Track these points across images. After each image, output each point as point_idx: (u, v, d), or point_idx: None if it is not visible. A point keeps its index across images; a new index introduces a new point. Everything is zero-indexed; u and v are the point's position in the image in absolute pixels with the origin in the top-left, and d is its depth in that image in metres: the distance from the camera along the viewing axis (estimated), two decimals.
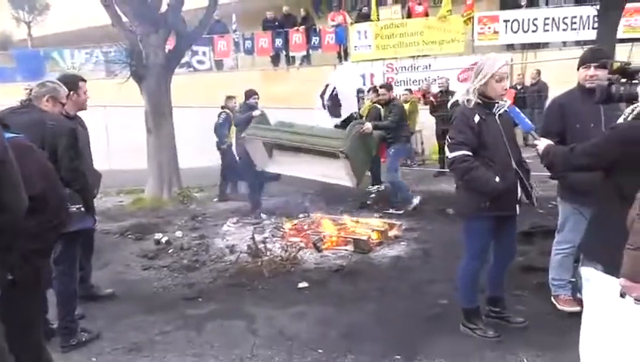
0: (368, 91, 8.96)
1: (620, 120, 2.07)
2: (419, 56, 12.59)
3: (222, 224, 6.38)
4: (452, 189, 4.94)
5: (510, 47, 12.40)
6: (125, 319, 3.73)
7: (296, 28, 13.79)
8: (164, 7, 8.29)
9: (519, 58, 11.38)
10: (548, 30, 11.81)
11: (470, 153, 3.00)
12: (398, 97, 8.34)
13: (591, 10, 9.22)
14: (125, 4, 7.81)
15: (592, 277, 1.85)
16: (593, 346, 1.87)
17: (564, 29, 11.68)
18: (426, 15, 13.11)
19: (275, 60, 14.24)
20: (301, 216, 6.39)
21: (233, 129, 7.72)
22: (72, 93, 3.55)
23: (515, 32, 12.05)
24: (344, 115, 8.08)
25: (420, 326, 3.41)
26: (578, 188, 3.05)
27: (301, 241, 5.36)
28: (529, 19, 11.91)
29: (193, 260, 5.03)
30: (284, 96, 11.53)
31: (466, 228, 3.18)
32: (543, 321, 3.31)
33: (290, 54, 14.02)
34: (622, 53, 7.09)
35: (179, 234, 6.00)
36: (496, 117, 3.08)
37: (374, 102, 7.52)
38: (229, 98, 8.28)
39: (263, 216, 6.58)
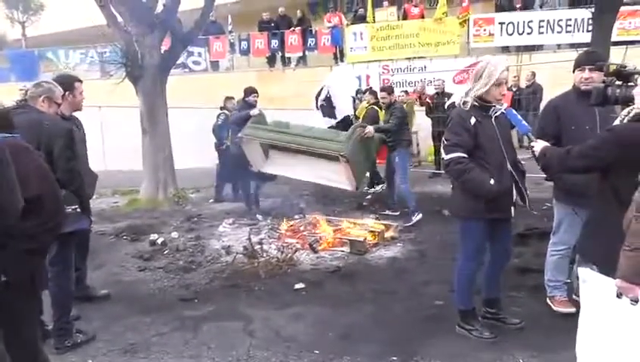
0: (364, 92, 8.97)
1: (617, 122, 2.09)
2: (414, 57, 12.62)
3: (218, 225, 6.36)
4: (447, 191, 4.95)
5: (505, 50, 12.45)
6: (121, 320, 3.71)
7: (292, 29, 13.79)
8: (159, 8, 8.27)
9: (514, 60, 11.40)
10: (543, 33, 11.86)
11: (466, 155, 3.01)
12: (398, 98, 8.04)
13: (585, 13, 9.30)
14: (121, 5, 7.77)
15: (589, 278, 1.86)
16: (590, 346, 1.88)
17: (558, 32, 11.75)
18: (422, 17, 13.15)
19: (271, 61, 14.23)
20: (297, 217, 6.39)
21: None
22: (67, 93, 3.54)
23: (510, 35, 12.11)
24: (338, 117, 8.08)
25: (416, 327, 3.42)
26: (574, 189, 3.07)
27: (297, 242, 5.36)
28: (524, 22, 11.96)
29: (189, 261, 5.02)
30: (280, 97, 11.53)
31: (462, 230, 3.20)
32: (538, 322, 3.33)
33: (286, 55, 14.01)
34: (616, 56, 7.12)
35: (174, 235, 5.98)
36: (493, 119, 3.09)
37: (372, 104, 7.52)
38: (228, 99, 8.23)
39: (259, 217, 6.57)
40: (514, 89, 10.15)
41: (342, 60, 13.41)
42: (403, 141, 6.44)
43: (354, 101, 9.00)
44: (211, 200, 8.08)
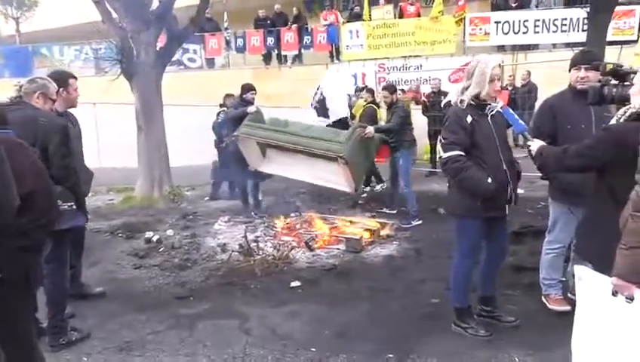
0: (361, 90, 8.97)
1: (613, 121, 2.09)
2: (410, 56, 12.64)
3: (213, 223, 6.35)
4: (443, 189, 4.96)
5: (501, 49, 12.49)
6: (116, 318, 3.70)
7: (288, 27, 13.76)
8: (155, 4, 8.23)
9: (510, 59, 11.45)
10: (538, 32, 11.92)
11: (463, 153, 3.01)
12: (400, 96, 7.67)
13: (581, 13, 9.34)
14: (116, 1, 7.72)
15: (585, 276, 1.87)
16: (585, 344, 1.89)
17: (554, 31, 11.80)
18: (418, 15, 13.17)
19: (267, 59, 14.21)
20: (293, 215, 6.38)
21: None
22: (61, 89, 3.50)
23: (506, 34, 12.15)
24: (333, 117, 8.00)
25: (412, 325, 3.42)
26: (570, 188, 3.09)
27: (293, 240, 5.36)
28: (520, 21, 12.01)
29: (185, 259, 5.00)
30: (276, 95, 11.50)
31: (458, 228, 3.20)
32: (533, 320, 3.34)
33: (282, 53, 13.99)
34: (611, 56, 7.16)
35: (170, 232, 5.96)
36: (489, 118, 3.10)
37: (369, 103, 7.50)
38: (228, 96, 8.16)
39: (254, 214, 6.55)
40: (509, 88, 10.19)
41: (338, 58, 13.42)
42: (405, 141, 6.26)
43: (350, 99, 8.99)
44: (207, 198, 8.06)
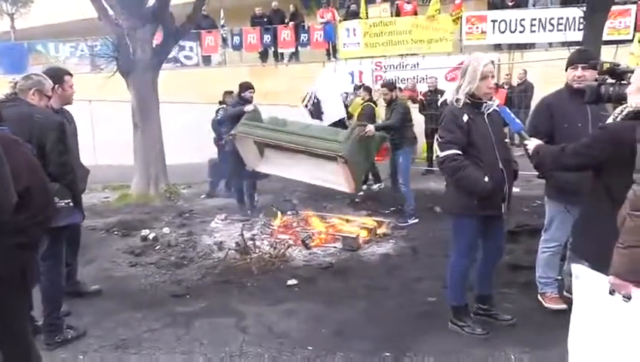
0: (359, 88, 8.94)
1: (610, 120, 2.10)
2: (407, 54, 12.64)
3: (210, 221, 6.34)
4: (440, 187, 4.96)
5: (498, 47, 12.51)
6: (112, 316, 3.68)
7: (284, 24, 13.73)
8: (151, 1, 8.19)
9: (506, 58, 11.48)
10: (535, 31, 11.95)
11: (460, 152, 3.02)
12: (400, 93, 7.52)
13: (577, 12, 9.35)
14: None
15: (582, 274, 1.88)
16: (582, 342, 1.90)
17: (550, 30, 11.84)
18: (415, 14, 13.17)
19: (264, 56, 14.18)
20: (290, 213, 6.37)
21: None
22: (57, 86, 3.48)
23: (503, 32, 12.18)
24: (329, 119, 7.88)
25: (409, 323, 3.43)
26: (566, 187, 3.09)
27: (290, 238, 5.35)
28: (516, 20, 12.04)
29: (181, 257, 4.99)
30: (273, 93, 11.48)
31: (455, 226, 3.21)
32: (530, 319, 3.35)
33: (279, 51, 13.97)
34: (607, 55, 7.18)
35: (166, 230, 5.95)
36: (485, 116, 3.10)
37: (366, 101, 7.48)
38: (228, 93, 8.11)
39: (249, 212, 6.53)
40: (506, 87, 10.22)
41: (335, 56, 13.40)
42: (407, 139, 6.18)
43: (346, 97, 8.96)
44: (203, 196, 8.04)
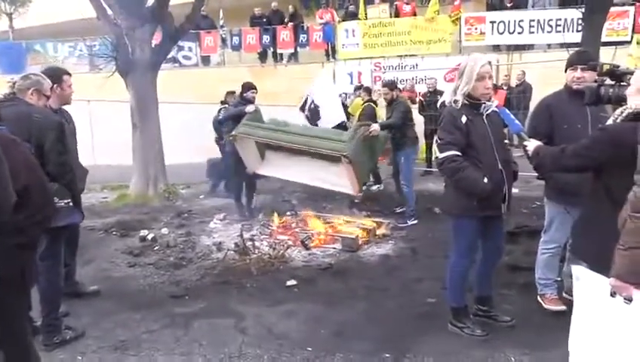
0: (359, 88, 8.92)
1: (609, 121, 2.10)
2: (406, 55, 12.65)
3: (209, 221, 6.33)
4: (439, 188, 4.95)
5: (496, 48, 12.54)
6: (111, 317, 3.67)
7: (284, 25, 13.73)
8: (150, 1, 8.18)
9: (505, 59, 11.50)
10: (533, 32, 11.99)
11: (459, 153, 3.01)
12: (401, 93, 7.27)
13: (576, 13, 9.39)
14: None
15: (583, 276, 1.87)
16: (583, 344, 1.89)
17: (548, 31, 11.87)
18: (414, 15, 13.19)
19: (263, 57, 14.17)
20: (289, 213, 6.36)
21: None
22: (55, 86, 3.47)
23: (501, 34, 12.21)
24: (328, 123, 7.83)
25: (408, 324, 3.42)
26: (566, 188, 3.09)
27: (289, 239, 5.34)
28: (515, 21, 12.07)
29: (180, 257, 4.98)
30: (273, 93, 11.47)
31: (454, 227, 3.20)
32: (529, 320, 3.35)
33: (278, 51, 13.97)
34: (605, 56, 7.20)
35: (165, 231, 5.94)
36: (484, 117, 3.10)
37: (366, 101, 7.47)
38: (229, 93, 8.10)
39: (247, 213, 6.51)
40: (505, 88, 10.23)
41: (334, 57, 13.40)
42: (408, 139, 6.10)
43: (346, 97, 8.94)
44: (202, 196, 8.03)
